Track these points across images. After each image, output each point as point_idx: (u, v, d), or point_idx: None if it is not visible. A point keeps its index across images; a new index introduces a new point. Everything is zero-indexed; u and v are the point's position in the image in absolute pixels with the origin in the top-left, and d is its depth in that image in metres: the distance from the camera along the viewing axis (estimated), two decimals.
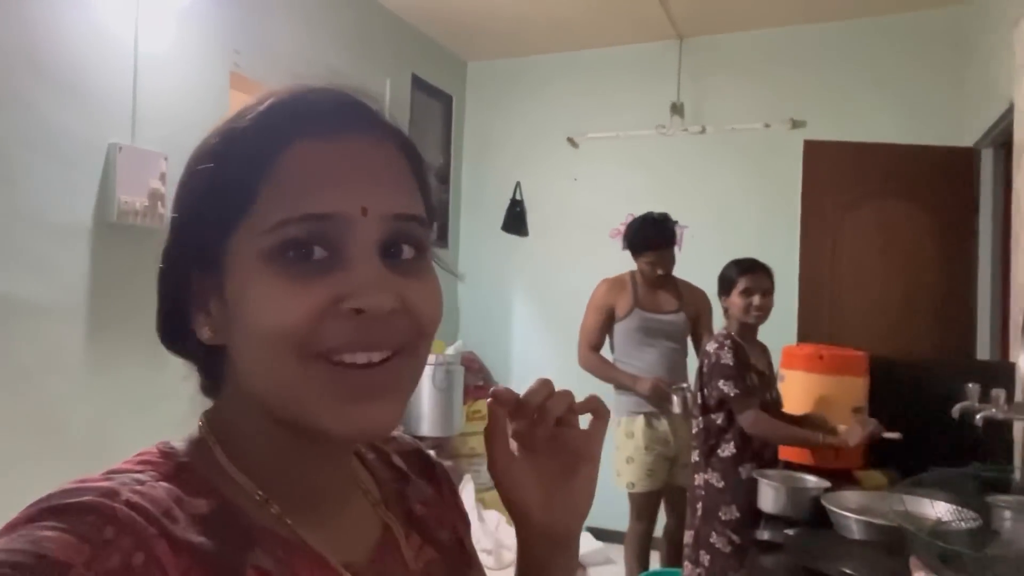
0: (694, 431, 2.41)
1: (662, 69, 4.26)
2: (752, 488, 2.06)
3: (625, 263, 3.15)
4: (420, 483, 0.63)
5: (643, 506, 2.93)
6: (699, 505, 2.28)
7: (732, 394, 2.26)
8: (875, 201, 3.55)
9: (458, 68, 4.81)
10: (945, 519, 1.60)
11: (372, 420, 0.47)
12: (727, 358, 2.30)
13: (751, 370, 2.34)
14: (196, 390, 0.54)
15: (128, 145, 2.60)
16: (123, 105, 2.63)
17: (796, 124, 3.98)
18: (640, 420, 2.95)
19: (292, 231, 0.45)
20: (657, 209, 4.21)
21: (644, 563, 2.95)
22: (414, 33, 4.30)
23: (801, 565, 1.50)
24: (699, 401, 2.38)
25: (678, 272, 3.14)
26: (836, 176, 3.53)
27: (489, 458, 0.56)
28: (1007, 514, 1.67)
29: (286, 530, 0.49)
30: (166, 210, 2.67)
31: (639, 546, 2.92)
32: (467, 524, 0.65)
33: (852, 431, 2.22)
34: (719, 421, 2.31)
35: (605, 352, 3.11)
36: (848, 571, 1.47)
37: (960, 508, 1.64)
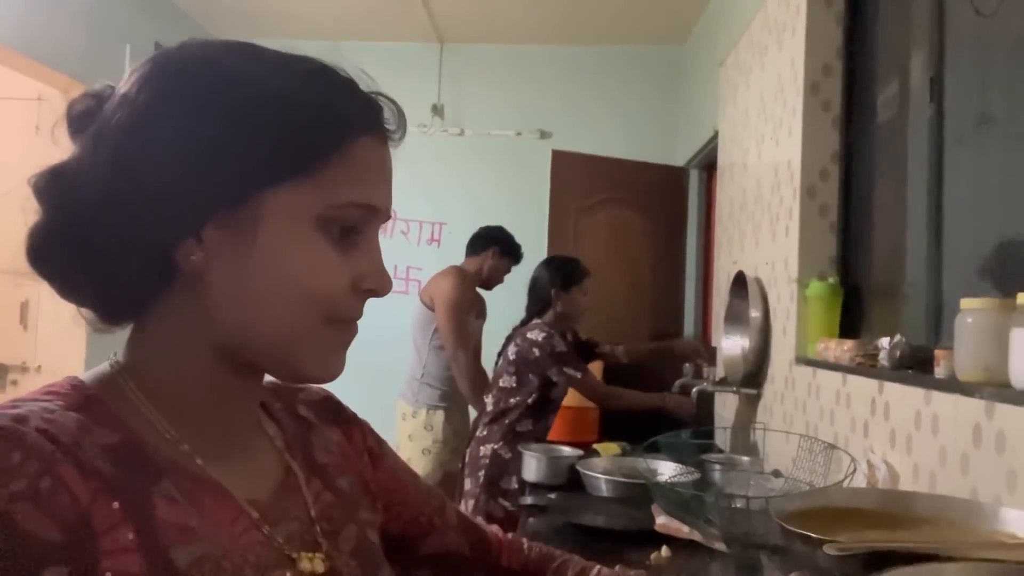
0: (488, 408, 2.53)
1: (424, 70, 4.38)
2: None
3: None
4: (326, 430, 0.66)
5: None
6: (481, 474, 2.41)
7: (579, 375, 2.47)
8: (607, 208, 4.02)
9: None
10: (674, 475, 1.92)
11: (340, 368, 0.56)
12: (561, 346, 2.48)
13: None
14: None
15: None
16: None
17: (544, 134, 4.35)
18: (440, 414, 3.00)
19: (353, 213, 0.53)
20: (418, 205, 4.31)
21: None
22: None
23: (565, 523, 1.69)
24: (510, 384, 2.49)
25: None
26: (577, 184, 3.94)
27: None
28: (716, 467, 2.04)
29: (193, 466, 0.51)
30: None
31: None
32: (377, 461, 0.70)
33: (683, 402, 2.57)
34: (529, 401, 2.46)
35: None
36: (601, 523, 1.68)
37: (684, 466, 1.97)
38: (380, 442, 0.72)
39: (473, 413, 2.91)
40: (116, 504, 0.44)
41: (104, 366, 0.53)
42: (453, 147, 4.38)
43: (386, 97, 0.57)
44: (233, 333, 0.52)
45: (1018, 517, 0.85)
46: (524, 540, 0.79)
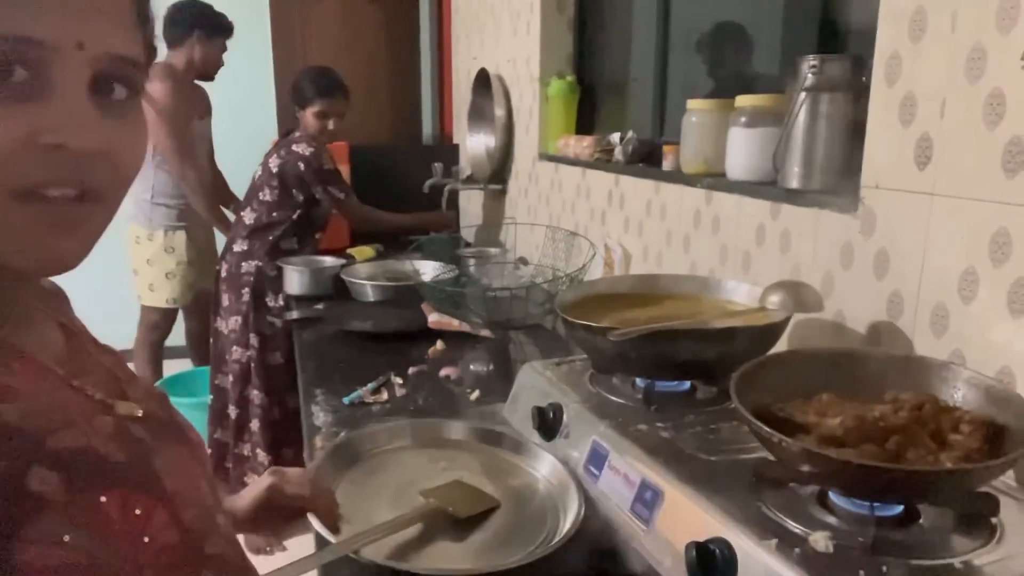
0: (248, 221, 2.38)
1: None
2: None
3: None
4: (65, 307, 0.64)
5: (170, 318, 2.85)
6: (246, 291, 2.32)
7: (342, 196, 2.36)
8: None
9: None
10: (436, 273, 2.03)
11: (59, 258, 0.46)
12: (328, 163, 2.34)
13: None
14: None
15: None
16: None
17: None
18: (181, 234, 2.73)
19: (4, 50, 0.41)
20: None
21: (160, 370, 2.92)
22: None
23: (337, 331, 1.74)
24: (272, 198, 2.35)
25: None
26: None
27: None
28: (471, 262, 2.20)
29: None
30: None
31: (156, 355, 2.87)
32: None
33: (440, 219, 2.61)
34: (294, 217, 2.36)
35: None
36: (371, 327, 1.76)
37: (442, 263, 2.09)
38: None
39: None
40: None
41: None
42: None
43: None
44: None
45: (735, 287, 1.06)
46: None
